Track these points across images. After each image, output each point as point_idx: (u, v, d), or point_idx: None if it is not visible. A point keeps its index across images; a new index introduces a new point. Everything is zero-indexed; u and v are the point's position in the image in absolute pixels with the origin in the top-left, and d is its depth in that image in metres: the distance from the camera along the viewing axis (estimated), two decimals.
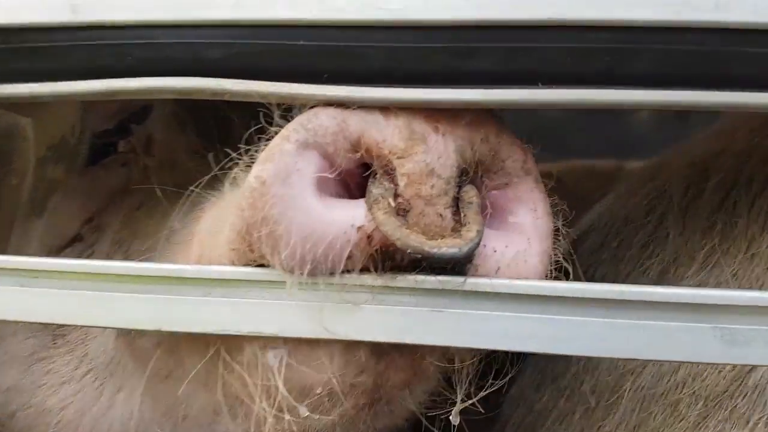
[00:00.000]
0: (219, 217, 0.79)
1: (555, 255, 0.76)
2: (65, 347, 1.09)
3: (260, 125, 0.73)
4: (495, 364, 0.82)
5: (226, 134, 1.14)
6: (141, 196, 1.12)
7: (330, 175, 0.69)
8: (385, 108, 0.69)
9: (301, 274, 0.67)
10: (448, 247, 0.65)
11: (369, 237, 0.66)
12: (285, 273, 0.68)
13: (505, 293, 0.67)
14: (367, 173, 0.71)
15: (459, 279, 0.67)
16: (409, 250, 0.64)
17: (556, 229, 0.77)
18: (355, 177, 0.73)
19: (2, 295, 0.74)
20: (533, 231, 0.74)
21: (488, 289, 0.67)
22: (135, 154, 1.17)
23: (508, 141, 0.74)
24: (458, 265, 0.67)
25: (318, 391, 0.74)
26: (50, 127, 1.30)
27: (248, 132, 0.73)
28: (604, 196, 1.19)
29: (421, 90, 0.67)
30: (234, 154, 0.75)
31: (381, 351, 0.73)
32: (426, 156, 0.68)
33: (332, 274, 0.68)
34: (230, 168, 0.78)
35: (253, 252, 0.70)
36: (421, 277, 0.67)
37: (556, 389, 0.99)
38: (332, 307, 0.67)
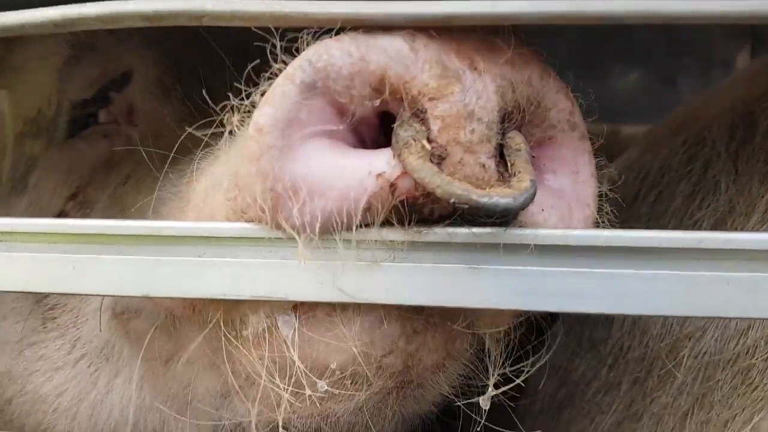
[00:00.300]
0: (216, 175, 0.69)
1: (601, 223, 0.66)
2: (56, 331, 1.01)
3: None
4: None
5: (213, 100, 1.05)
6: (127, 169, 1.03)
7: (339, 127, 0.59)
8: (410, 39, 0.58)
9: (312, 232, 0.57)
10: (500, 196, 0.54)
11: (392, 186, 0.56)
12: (293, 231, 0.57)
13: (556, 246, 0.56)
14: (386, 125, 0.61)
15: (499, 230, 0.56)
16: (452, 200, 0.53)
17: (601, 195, 0.67)
18: (370, 127, 0.62)
19: None
20: (575, 196, 0.64)
21: (536, 242, 0.56)
22: (117, 125, 1.08)
23: (554, 87, 0.63)
24: (504, 221, 0.56)
25: (339, 372, 0.64)
26: (26, 98, 1.22)
27: (247, 70, 0.62)
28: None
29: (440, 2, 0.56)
30: (234, 101, 0.64)
31: (412, 329, 0.64)
32: (463, 96, 0.57)
33: (348, 230, 0.57)
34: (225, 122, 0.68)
35: (252, 209, 0.60)
36: (454, 230, 0.56)
37: (596, 357, 0.89)
38: (348, 266, 0.57)
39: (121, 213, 1.00)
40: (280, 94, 0.57)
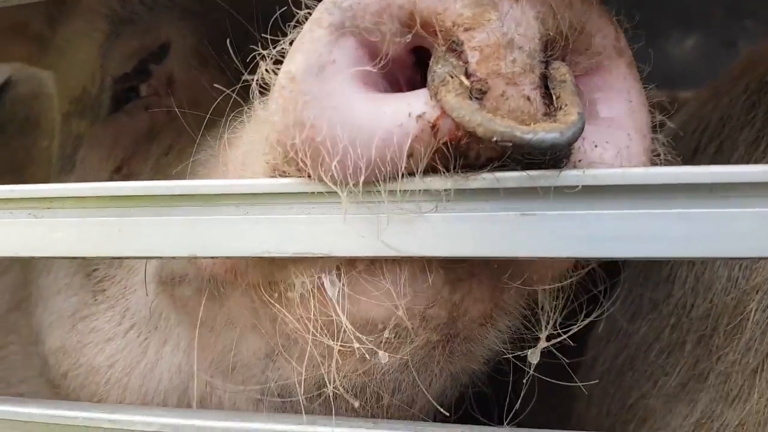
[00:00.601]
0: (252, 135, 0.68)
1: (660, 154, 0.62)
2: (106, 303, 1.02)
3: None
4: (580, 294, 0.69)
5: (253, 69, 1.04)
6: (169, 140, 1.04)
7: (373, 69, 0.56)
8: None
9: (355, 184, 0.55)
10: (546, 131, 0.50)
11: (433, 127, 0.53)
12: (334, 184, 0.55)
13: (614, 186, 0.52)
14: (420, 63, 0.58)
15: (552, 172, 0.52)
16: (495, 138, 0.50)
17: (655, 125, 0.63)
18: (405, 68, 0.59)
19: (12, 228, 0.64)
20: (632, 125, 0.60)
21: (593, 182, 0.52)
22: (158, 97, 1.08)
23: (597, 11, 0.60)
24: (554, 159, 0.53)
25: (382, 326, 0.62)
26: (71, 78, 1.24)
27: (274, 17, 0.60)
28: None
29: None
30: (260, 51, 0.63)
31: (456, 277, 0.61)
32: (501, 24, 0.53)
33: (392, 179, 0.55)
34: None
35: (290, 165, 0.58)
36: (503, 174, 0.53)
37: (658, 318, 0.85)
38: (392, 218, 0.54)
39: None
40: (309, 39, 0.55)
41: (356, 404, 0.66)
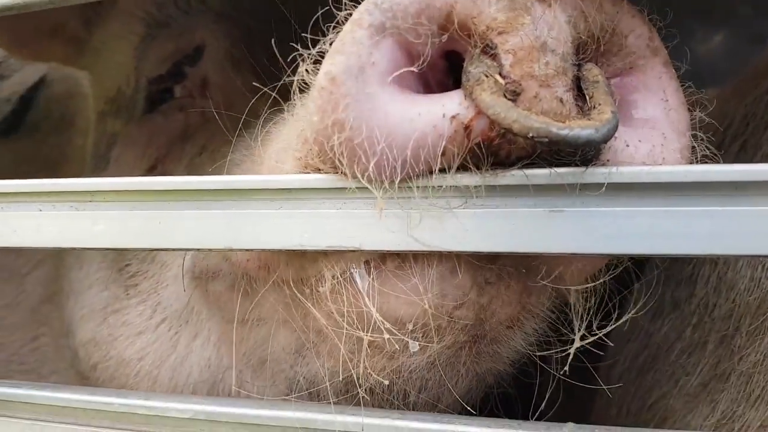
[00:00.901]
0: (287, 132, 0.70)
1: (699, 151, 0.63)
2: (138, 297, 1.05)
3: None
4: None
5: (280, 69, 1.07)
6: (202, 141, 1.07)
7: (412, 70, 0.58)
8: None
9: (390, 183, 0.56)
10: (581, 128, 0.52)
11: (467, 127, 0.55)
12: (369, 183, 0.57)
13: (643, 183, 0.53)
14: (452, 68, 0.60)
15: (580, 169, 0.54)
16: (530, 134, 0.51)
17: (695, 122, 0.64)
18: (437, 72, 0.61)
19: (54, 220, 0.67)
20: (667, 124, 0.61)
21: (624, 180, 0.53)
22: (192, 98, 1.11)
23: (629, 12, 0.61)
24: (583, 158, 0.54)
25: (410, 324, 0.64)
26: (106, 78, 1.27)
27: (315, 17, 0.62)
28: None
29: None
30: (301, 50, 0.65)
31: (484, 280, 0.62)
32: (534, 28, 0.55)
33: (425, 177, 0.57)
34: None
35: (325, 163, 0.60)
36: (533, 171, 0.54)
37: (679, 318, 0.86)
38: (423, 214, 0.56)
39: None
40: (350, 40, 0.57)
41: (386, 382, 0.68)
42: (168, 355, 1.00)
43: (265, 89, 0.72)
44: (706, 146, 0.62)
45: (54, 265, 1.38)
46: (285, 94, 0.88)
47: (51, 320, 1.45)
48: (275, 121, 0.77)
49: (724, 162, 0.89)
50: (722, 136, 0.93)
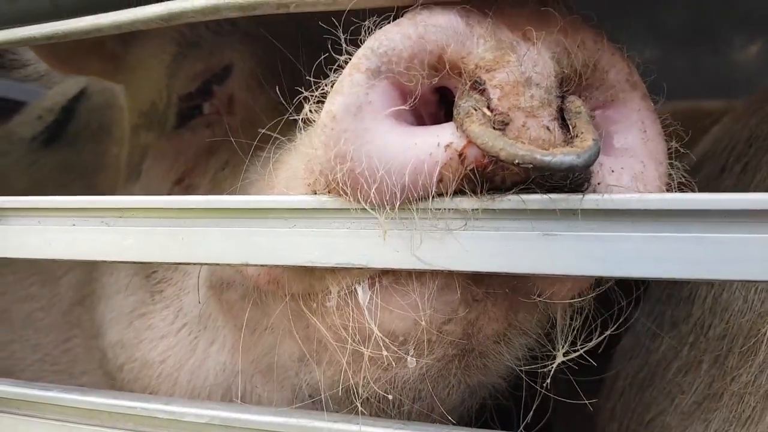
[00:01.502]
0: (295, 164, 0.75)
1: (676, 178, 0.67)
2: (162, 303, 1.11)
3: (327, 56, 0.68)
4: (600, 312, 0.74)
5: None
6: (226, 156, 1.12)
7: (405, 107, 0.63)
8: (465, 15, 0.62)
9: (391, 208, 0.61)
10: (564, 154, 0.56)
11: (461, 155, 0.60)
12: (372, 209, 0.62)
13: (638, 210, 0.57)
14: (443, 101, 0.65)
15: (576, 196, 0.58)
16: (516, 161, 0.56)
17: (671, 151, 0.68)
18: (429, 105, 0.66)
19: (87, 235, 0.73)
20: (645, 153, 0.65)
21: (615, 206, 0.57)
22: (218, 115, 1.17)
23: (609, 49, 0.65)
24: (575, 183, 0.59)
25: (402, 337, 0.68)
26: (140, 93, 1.34)
27: (317, 62, 0.67)
28: None
29: None
30: (305, 93, 0.70)
31: (472, 297, 0.67)
32: (519, 64, 0.60)
33: (424, 200, 0.62)
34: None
35: (331, 192, 0.65)
36: (528, 196, 0.59)
37: (677, 337, 0.89)
38: (425, 235, 0.61)
39: (221, 195, 1.08)
40: (348, 82, 0.63)
41: (389, 397, 0.72)
42: (187, 359, 1.05)
43: (289, 102, 0.77)
44: (682, 174, 0.66)
45: (86, 269, 1.45)
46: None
47: (82, 322, 1.52)
48: (285, 148, 0.82)
49: (726, 183, 0.93)
50: (728, 155, 0.96)
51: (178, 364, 1.05)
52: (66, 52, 1.31)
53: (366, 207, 0.61)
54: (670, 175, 0.66)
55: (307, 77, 0.70)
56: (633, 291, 0.79)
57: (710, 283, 0.85)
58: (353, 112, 0.61)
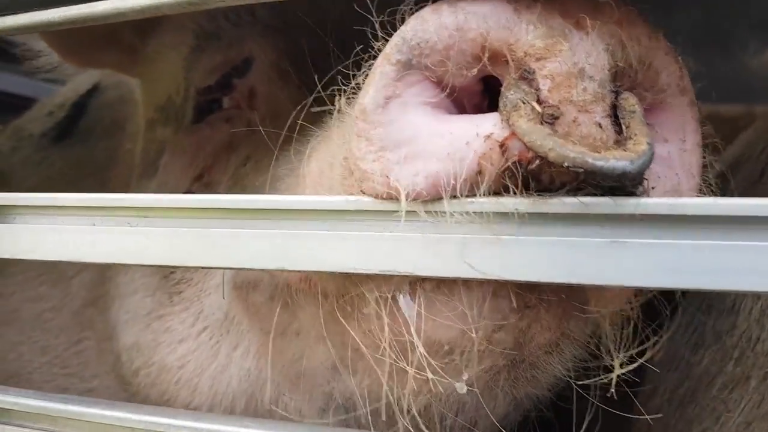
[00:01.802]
0: (328, 154, 0.71)
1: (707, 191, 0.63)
2: (181, 305, 1.07)
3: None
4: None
5: (328, 84, 1.08)
6: (247, 151, 1.08)
7: (441, 98, 0.60)
8: (511, 1, 0.58)
9: (427, 201, 0.58)
10: (616, 159, 0.52)
11: (502, 146, 0.56)
12: (410, 204, 0.58)
13: (715, 216, 0.51)
14: (487, 90, 0.61)
15: (646, 200, 0.53)
16: (566, 163, 0.52)
17: (705, 165, 0.65)
18: (474, 96, 0.63)
19: (109, 236, 0.69)
20: (680, 165, 0.62)
21: (691, 212, 0.52)
22: (239, 109, 1.13)
23: (663, 48, 0.62)
24: (626, 186, 0.54)
25: (449, 348, 0.64)
26: (157, 87, 1.29)
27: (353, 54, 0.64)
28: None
29: None
30: (343, 84, 0.67)
31: (524, 304, 0.63)
32: (572, 54, 0.56)
33: (467, 196, 0.57)
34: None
35: (369, 185, 0.61)
36: (590, 199, 0.54)
37: (721, 350, 0.85)
38: (475, 239, 0.57)
39: (242, 192, 1.04)
40: (379, 74, 0.60)
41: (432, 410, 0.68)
42: (208, 364, 1.01)
43: (309, 98, 0.73)
44: (710, 183, 0.63)
45: (99, 269, 1.41)
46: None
47: (94, 324, 1.48)
48: (315, 143, 0.79)
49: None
50: (766, 159, 0.91)
51: (199, 369, 1.01)
52: (80, 43, 1.27)
53: (403, 201, 0.57)
54: (700, 188, 0.62)
55: (341, 68, 0.66)
56: (671, 300, 0.75)
57: (757, 294, 0.81)
58: (383, 104, 0.59)
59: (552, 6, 0.58)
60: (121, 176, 1.52)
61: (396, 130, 0.59)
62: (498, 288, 0.61)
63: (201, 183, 1.12)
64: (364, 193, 0.61)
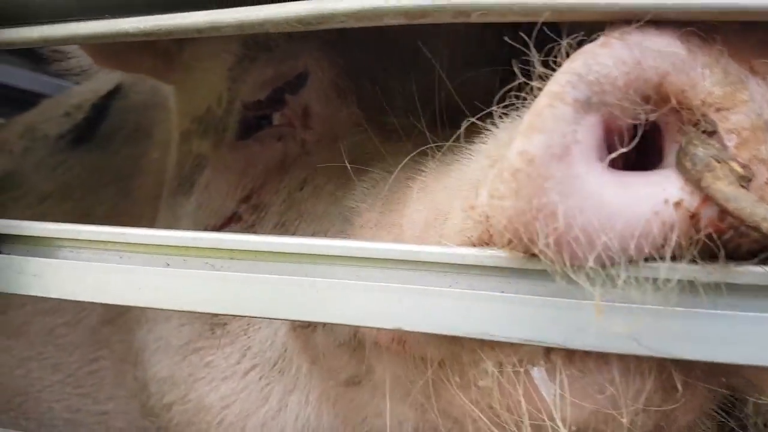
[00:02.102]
0: (441, 199, 0.63)
1: None
2: (225, 338, 0.98)
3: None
4: None
5: (389, 104, 1.00)
6: (302, 174, 1.00)
7: (622, 150, 0.51)
8: (684, 40, 0.50)
9: (609, 280, 0.49)
10: None
11: (692, 216, 0.48)
12: (585, 279, 0.49)
13: None
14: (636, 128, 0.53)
15: None
16: None
17: None
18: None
19: (185, 279, 0.60)
20: None
21: None
22: (291, 127, 1.03)
23: None
24: None
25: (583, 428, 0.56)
26: (195, 96, 1.20)
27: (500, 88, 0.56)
28: None
29: None
30: (473, 118, 0.59)
31: (670, 385, 0.55)
32: (754, 105, 0.49)
33: (651, 269, 0.49)
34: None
35: (510, 247, 0.53)
36: None
37: None
38: (643, 312, 0.48)
39: (299, 219, 0.96)
40: (551, 116, 0.50)
41: None
42: (257, 408, 0.92)
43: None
44: None
45: None
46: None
47: (112, 343, 1.40)
48: (414, 177, 0.70)
49: None
50: None
51: (246, 413, 0.92)
52: (115, 46, 1.17)
53: (575, 278, 0.48)
54: None
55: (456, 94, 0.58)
56: None
57: None
58: (558, 155, 0.49)
59: (723, 47, 0.50)
60: (146, 187, 1.43)
61: (575, 191, 0.49)
62: (644, 366, 0.53)
63: (249, 205, 1.03)
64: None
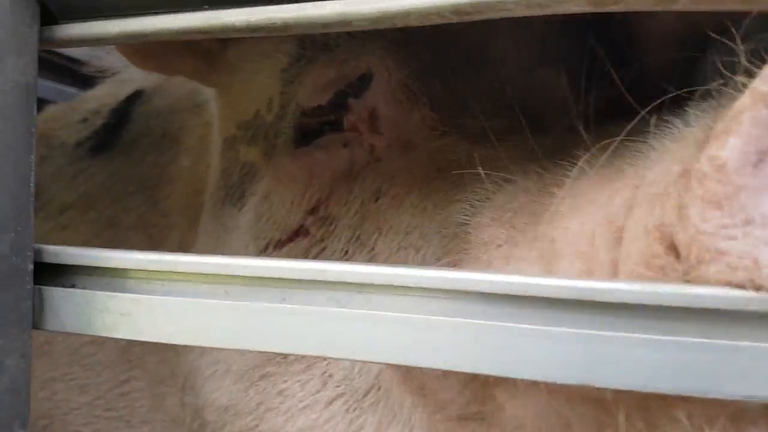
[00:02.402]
0: (603, 214, 0.55)
1: None
2: (301, 363, 0.90)
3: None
4: None
5: (463, 106, 0.92)
6: (376, 183, 0.92)
7: None
8: None
9: None
10: None
11: None
12: None
13: None
14: None
15: None
16: None
17: None
18: None
19: (304, 317, 0.52)
20: None
21: None
22: (358, 133, 0.95)
23: None
24: None
25: None
26: (241, 100, 1.11)
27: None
28: None
29: None
30: (644, 112, 0.51)
31: None
32: None
33: None
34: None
35: (713, 270, 0.45)
36: None
37: None
38: None
39: (377, 233, 0.88)
40: (750, 120, 0.44)
41: None
42: None
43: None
44: None
45: None
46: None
47: (145, 363, 1.31)
48: (552, 185, 0.62)
49: None
50: None
51: None
52: (154, 46, 1.08)
53: None
54: None
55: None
56: None
57: None
58: (753, 162, 0.43)
59: None
60: (176, 196, 1.34)
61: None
62: None
63: (316, 217, 0.95)
64: (700, 279, 0.45)
